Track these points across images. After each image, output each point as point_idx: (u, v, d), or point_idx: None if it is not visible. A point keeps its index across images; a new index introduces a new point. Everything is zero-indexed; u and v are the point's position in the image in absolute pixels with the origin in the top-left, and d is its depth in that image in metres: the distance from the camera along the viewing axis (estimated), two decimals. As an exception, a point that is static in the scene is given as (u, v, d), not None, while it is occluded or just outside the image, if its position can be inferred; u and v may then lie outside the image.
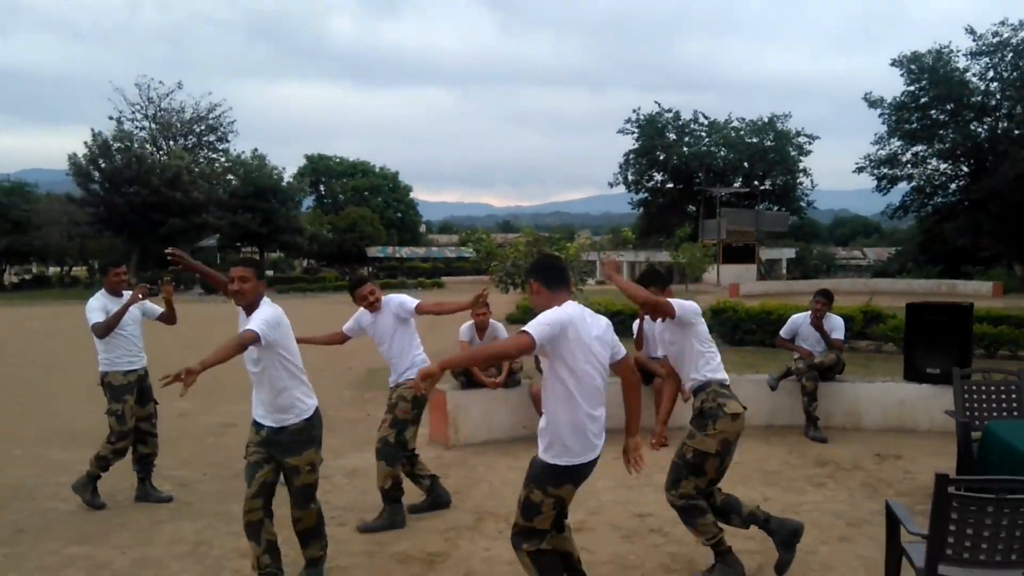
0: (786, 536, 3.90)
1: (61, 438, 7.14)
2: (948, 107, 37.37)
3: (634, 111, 53.66)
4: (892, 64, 38.66)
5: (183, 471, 6.15)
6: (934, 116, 38.37)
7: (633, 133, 53.69)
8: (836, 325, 7.15)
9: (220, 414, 8.33)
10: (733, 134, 53.32)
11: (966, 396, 5.07)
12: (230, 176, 46.72)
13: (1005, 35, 34.96)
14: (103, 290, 5.31)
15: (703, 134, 54.29)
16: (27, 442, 7.21)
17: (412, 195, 69.72)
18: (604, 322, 3.23)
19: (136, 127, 45.85)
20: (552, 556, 3.18)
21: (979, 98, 37.06)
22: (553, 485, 3.07)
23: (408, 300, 4.99)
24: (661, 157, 53.06)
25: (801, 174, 54.04)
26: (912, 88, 38.13)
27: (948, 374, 5.74)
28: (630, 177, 54.92)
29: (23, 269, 53.13)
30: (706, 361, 3.94)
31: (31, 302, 31.49)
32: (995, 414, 4.96)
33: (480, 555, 4.29)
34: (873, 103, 40.02)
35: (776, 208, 53.56)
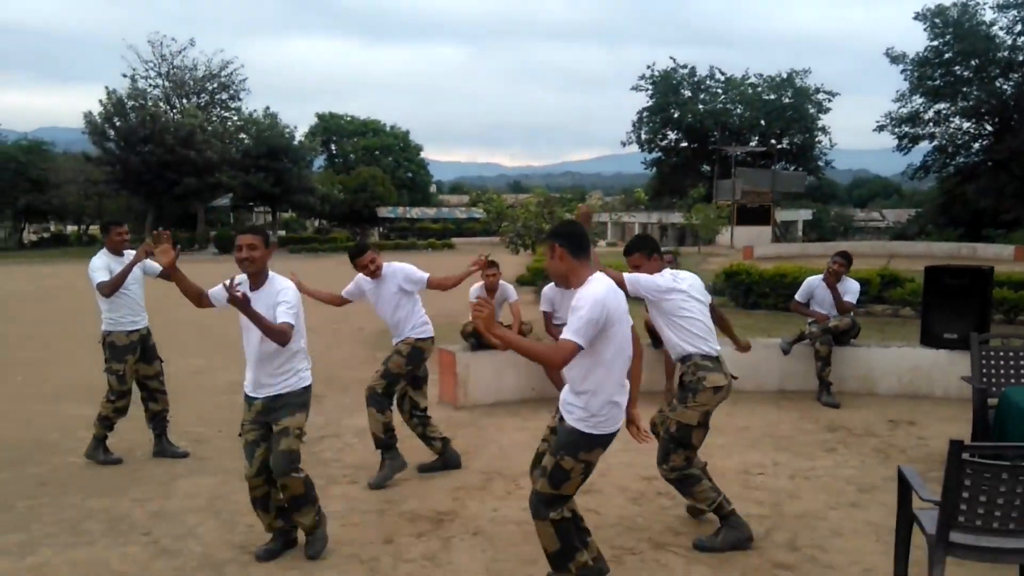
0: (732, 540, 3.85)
1: (80, 394, 7.23)
2: (973, 63, 36.49)
3: (648, 67, 52.75)
4: (915, 18, 37.70)
5: (199, 428, 6.23)
6: (958, 72, 37.51)
7: (647, 90, 52.81)
8: (850, 288, 7.05)
9: (235, 371, 8.35)
10: (750, 91, 52.27)
11: (983, 362, 5.01)
12: (242, 135, 46.57)
13: (1035, -13, 33.98)
14: (104, 249, 5.29)
15: (719, 91, 53.26)
16: (48, 398, 7.33)
17: (423, 155, 69.22)
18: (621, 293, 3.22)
19: (150, 85, 45.70)
20: (570, 523, 3.18)
21: (1006, 53, 36.09)
22: (585, 451, 3.09)
23: (416, 273, 4.96)
24: (675, 115, 52.22)
25: (820, 132, 53.04)
26: (936, 43, 37.22)
27: (966, 339, 5.66)
28: (643, 136, 54.19)
29: (41, 228, 53.57)
30: (685, 333, 3.91)
31: (50, 260, 31.81)
32: (1012, 381, 4.89)
33: (488, 515, 4.33)
34: (895, 59, 39.16)
35: (793, 168, 52.68)
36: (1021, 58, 36.01)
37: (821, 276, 7.17)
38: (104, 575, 3.62)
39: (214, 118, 46.52)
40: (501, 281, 6.96)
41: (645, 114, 53.44)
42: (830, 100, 52.47)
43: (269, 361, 3.69)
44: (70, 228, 52.24)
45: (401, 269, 4.98)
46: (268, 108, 47.82)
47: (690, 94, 52.79)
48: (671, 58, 53.02)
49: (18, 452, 5.59)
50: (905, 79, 39.35)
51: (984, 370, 4.98)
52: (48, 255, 35.70)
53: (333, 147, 65.79)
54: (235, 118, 48.22)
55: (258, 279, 3.68)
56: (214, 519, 4.31)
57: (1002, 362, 4.98)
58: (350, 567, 3.68)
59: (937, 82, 38.24)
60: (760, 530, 4.04)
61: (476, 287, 6.91)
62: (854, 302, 7.05)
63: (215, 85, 47.89)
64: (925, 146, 41.81)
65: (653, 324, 4.21)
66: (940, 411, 6.55)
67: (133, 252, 5.29)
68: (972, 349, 5.04)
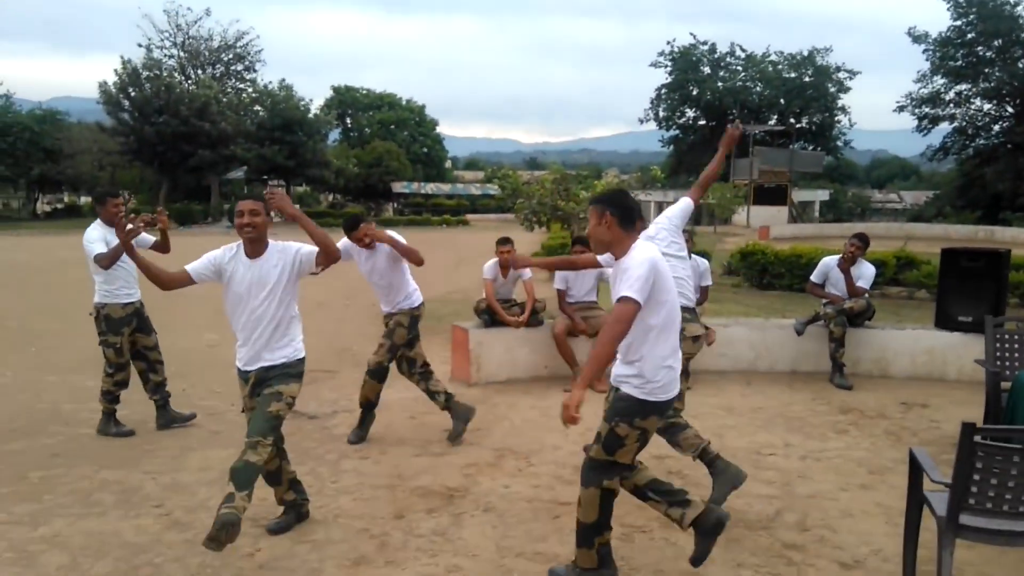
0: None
1: (93, 365, 7.27)
2: (996, 43, 35.81)
3: (668, 43, 52.21)
4: (939, -3, 36.96)
5: (212, 401, 6.28)
6: (980, 53, 36.85)
7: (666, 67, 52.27)
8: (865, 273, 6.98)
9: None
10: (770, 68, 51.61)
11: (998, 345, 4.97)
12: (257, 107, 46.49)
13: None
14: (98, 221, 5.27)
15: (739, 68, 52.62)
16: (61, 369, 7.41)
17: (438, 130, 68.93)
18: None
19: (165, 55, 45.64)
20: (614, 497, 3.18)
21: (1030, 34, 35.42)
22: (641, 417, 3.06)
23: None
24: (694, 92, 51.68)
25: (839, 112, 52.42)
26: (959, 23, 36.54)
27: (980, 322, 5.60)
28: (661, 113, 53.71)
29: (55, 198, 53.81)
30: None
31: (63, 231, 32.00)
32: (1027, 365, 4.86)
33: (499, 491, 4.35)
34: (917, 38, 38.51)
35: (811, 147, 52.10)
36: (1046, 39, 35.38)
37: (837, 257, 7.11)
38: (117, 545, 3.67)
39: (229, 89, 46.45)
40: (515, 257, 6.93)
41: (663, 91, 52.93)
42: (850, 79, 51.81)
43: (272, 329, 3.59)
44: (84, 199, 52.45)
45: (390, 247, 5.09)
46: (283, 80, 47.70)
47: (709, 71, 52.20)
48: (691, 34, 52.59)
49: (31, 423, 5.65)
50: (927, 59, 38.74)
51: (998, 353, 4.95)
52: (62, 226, 35.87)
53: (348, 120, 65.60)
54: (250, 90, 48.12)
55: (258, 247, 3.60)
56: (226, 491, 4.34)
57: (1016, 345, 4.95)
58: (360, 541, 3.71)
59: (959, 63, 37.59)
60: (770, 510, 4.05)
61: (490, 264, 6.90)
62: (867, 287, 6.98)
63: (230, 56, 47.76)
64: (945, 127, 41.22)
65: None
66: (953, 394, 6.52)
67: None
68: (986, 332, 5.00)
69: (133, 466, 4.76)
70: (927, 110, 40.18)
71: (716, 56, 52.42)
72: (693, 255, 6.22)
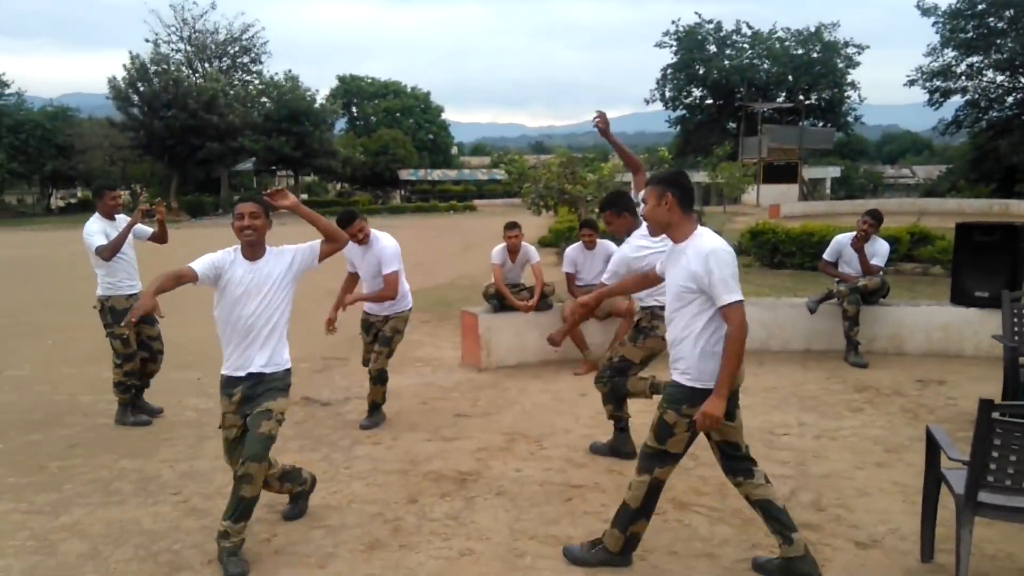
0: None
1: (109, 357, 7.31)
2: (1007, 13, 35.26)
3: (673, 22, 51.86)
4: (950, -33, 36.41)
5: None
6: (992, 24, 36.30)
7: (671, 46, 51.88)
8: (879, 251, 6.91)
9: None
10: (777, 45, 51.11)
11: (1015, 320, 4.91)
12: (264, 99, 46.58)
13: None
14: (97, 213, 5.34)
15: (745, 46, 52.13)
16: (77, 361, 7.46)
17: (444, 116, 68.77)
18: None
19: (172, 49, 45.79)
20: (660, 489, 3.21)
21: (1044, 3, 34.84)
22: (689, 405, 3.05)
23: (388, 264, 5.09)
24: (700, 71, 51.28)
25: (849, 87, 51.85)
26: (969, -6, 35.96)
27: (997, 297, 5.54)
28: (667, 93, 53.33)
29: (68, 193, 54.20)
30: (648, 293, 4.28)
31: (77, 226, 32.23)
32: (1045, 339, 4.80)
33: (511, 475, 4.35)
34: (927, 11, 38.00)
35: (821, 124, 51.64)
36: (1060, 6, 34.78)
37: (850, 234, 7.04)
38: (136, 533, 3.70)
39: (236, 82, 46.57)
40: (523, 242, 6.91)
41: (669, 71, 52.54)
42: (859, 54, 51.23)
43: (267, 332, 3.51)
44: (96, 194, 52.68)
45: (384, 249, 5.09)
46: (289, 71, 47.84)
47: (715, 50, 51.75)
48: (696, 13, 51.62)
49: (49, 414, 5.71)
50: (937, 32, 38.21)
51: (1016, 328, 4.89)
52: (75, 220, 36.01)
53: (354, 109, 65.59)
54: (256, 82, 48.28)
55: (258, 250, 3.53)
56: (242, 479, 4.37)
57: (1035, 320, 4.89)
58: (374, 526, 3.73)
59: (970, 34, 37.08)
60: (785, 490, 4.03)
61: (498, 249, 6.87)
62: (882, 265, 6.91)
63: (236, 48, 47.86)
64: (957, 100, 40.72)
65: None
66: (970, 370, 6.45)
67: (125, 217, 5.41)
68: (1003, 307, 4.94)
69: (151, 455, 4.80)
70: (938, 83, 39.69)
71: (722, 34, 51.94)
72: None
